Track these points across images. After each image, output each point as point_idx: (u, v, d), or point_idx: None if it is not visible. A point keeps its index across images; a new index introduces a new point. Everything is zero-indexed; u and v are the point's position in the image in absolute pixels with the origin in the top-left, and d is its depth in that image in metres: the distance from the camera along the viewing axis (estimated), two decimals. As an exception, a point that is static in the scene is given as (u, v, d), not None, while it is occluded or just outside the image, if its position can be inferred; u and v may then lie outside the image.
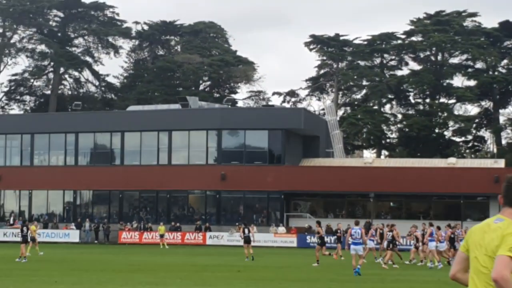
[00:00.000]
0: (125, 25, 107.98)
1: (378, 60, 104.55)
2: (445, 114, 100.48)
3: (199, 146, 72.12)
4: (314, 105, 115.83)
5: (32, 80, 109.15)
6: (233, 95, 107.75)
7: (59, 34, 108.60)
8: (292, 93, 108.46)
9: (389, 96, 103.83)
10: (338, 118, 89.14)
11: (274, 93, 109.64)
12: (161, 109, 77.80)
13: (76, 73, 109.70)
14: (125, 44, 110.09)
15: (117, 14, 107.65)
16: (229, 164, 71.00)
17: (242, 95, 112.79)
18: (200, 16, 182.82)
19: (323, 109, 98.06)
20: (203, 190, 72.82)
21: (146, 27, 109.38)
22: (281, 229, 67.17)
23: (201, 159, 72.15)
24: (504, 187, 6.10)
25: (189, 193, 73.25)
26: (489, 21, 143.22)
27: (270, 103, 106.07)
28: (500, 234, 5.81)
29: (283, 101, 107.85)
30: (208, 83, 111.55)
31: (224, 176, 69.70)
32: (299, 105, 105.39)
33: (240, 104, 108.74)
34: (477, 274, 5.92)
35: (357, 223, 31.48)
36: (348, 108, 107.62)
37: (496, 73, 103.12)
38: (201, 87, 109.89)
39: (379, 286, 24.00)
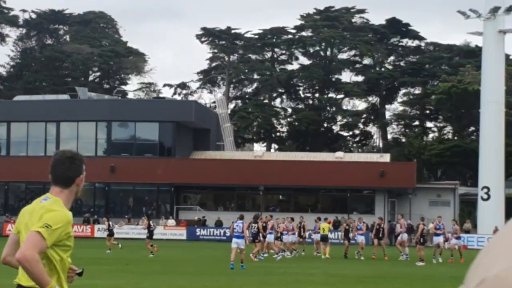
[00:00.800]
0: (12, 12, 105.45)
1: (269, 54, 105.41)
2: (334, 109, 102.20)
3: (88, 138, 71.30)
4: (205, 98, 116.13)
5: None
6: (123, 87, 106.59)
7: None
8: (183, 86, 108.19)
9: (280, 90, 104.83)
10: (229, 111, 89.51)
11: (165, 85, 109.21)
12: (49, 100, 76.35)
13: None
14: (12, 33, 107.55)
15: (4, 2, 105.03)
16: (119, 156, 70.50)
17: (132, 86, 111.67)
18: (90, 6, 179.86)
19: (214, 102, 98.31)
20: (92, 182, 71.89)
21: (34, 16, 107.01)
22: (171, 221, 67.10)
23: (90, 151, 71.17)
24: (51, 165, 5.82)
25: (77, 185, 72.31)
26: (377, 18, 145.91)
27: (161, 95, 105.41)
28: (42, 213, 5.52)
29: (174, 94, 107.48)
30: (98, 74, 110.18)
31: (113, 168, 69.13)
32: (190, 98, 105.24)
33: (130, 95, 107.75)
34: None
35: (241, 218, 31.71)
36: (239, 101, 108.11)
37: (382, 69, 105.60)
38: (91, 78, 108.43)
39: (265, 278, 24.34)
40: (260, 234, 36.94)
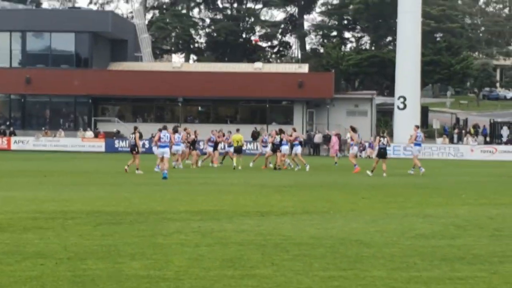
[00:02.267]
0: None
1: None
2: (252, 19, 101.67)
3: (3, 49, 69.85)
4: (122, 8, 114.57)
5: None
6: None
7: None
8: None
9: (198, 0, 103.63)
10: (146, 22, 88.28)
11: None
12: (-39, 10, 74.12)
13: None
14: None
15: None
16: (34, 68, 69.29)
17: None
18: None
19: (131, 12, 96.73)
20: (7, 94, 70.82)
21: None
22: (89, 133, 66.60)
23: (4, 62, 69.92)
24: None
25: (-8, 97, 71.16)
26: None
27: (76, 5, 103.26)
28: None
29: (90, 3, 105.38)
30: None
31: (29, 79, 67.93)
32: (107, 8, 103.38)
33: (45, 5, 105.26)
34: None
35: (165, 128, 32.69)
36: (156, 11, 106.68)
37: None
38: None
39: (186, 188, 24.51)
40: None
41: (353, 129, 39.43)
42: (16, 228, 14.26)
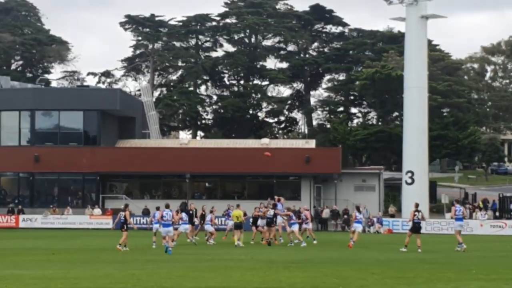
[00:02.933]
0: None
1: (193, 42, 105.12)
2: (259, 96, 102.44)
3: (12, 127, 70.27)
4: (130, 86, 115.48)
5: None
6: (46, 75, 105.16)
7: None
8: (107, 74, 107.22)
9: (204, 77, 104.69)
10: (154, 99, 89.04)
11: (89, 74, 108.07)
12: (-29, 89, 74.88)
13: None
14: None
15: None
16: (43, 146, 69.57)
17: (56, 75, 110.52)
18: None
19: (139, 90, 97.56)
20: (16, 172, 70.96)
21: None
22: (97, 210, 66.49)
23: (13, 141, 70.24)
24: None
25: (1, 175, 71.24)
26: (301, 5, 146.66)
27: (85, 83, 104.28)
28: None
29: (98, 82, 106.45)
30: (20, 62, 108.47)
31: (37, 157, 68.17)
32: (115, 86, 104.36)
33: (54, 84, 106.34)
34: None
35: (167, 206, 33.63)
36: (164, 89, 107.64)
37: (307, 55, 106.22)
38: (13, 67, 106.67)
39: (194, 265, 24.34)
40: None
41: (357, 209, 39.13)
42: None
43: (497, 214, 70.06)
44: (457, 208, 35.01)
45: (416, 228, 33.73)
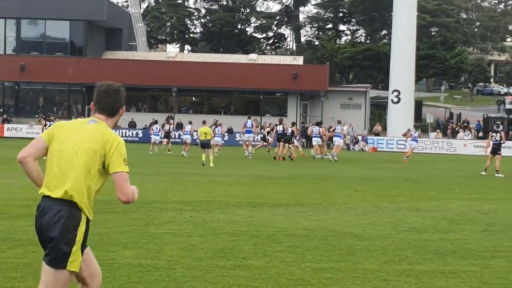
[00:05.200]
0: None
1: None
2: (248, 10, 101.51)
3: (-3, 36, 69.69)
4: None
5: None
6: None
7: None
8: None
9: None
10: (141, 11, 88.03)
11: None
12: (-45, -4, 73.83)
13: None
14: None
15: None
16: (29, 55, 69.07)
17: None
18: None
19: (126, 1, 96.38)
20: (1, 80, 70.60)
21: None
22: (83, 122, 66.36)
23: (-1, 49, 69.82)
24: (97, 95, 6.32)
25: (-14, 84, 71.00)
26: None
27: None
28: (102, 134, 6.03)
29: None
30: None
31: (23, 67, 67.73)
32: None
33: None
34: (59, 165, 5.99)
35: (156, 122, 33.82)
36: (152, 1, 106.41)
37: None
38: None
39: (179, 179, 24.51)
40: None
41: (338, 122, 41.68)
42: (9, 215, 14.25)
43: (481, 134, 70.52)
44: (494, 134, 32.89)
45: (494, 149, 32.53)
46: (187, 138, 42.33)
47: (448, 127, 72.37)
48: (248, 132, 43.43)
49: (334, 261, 10.55)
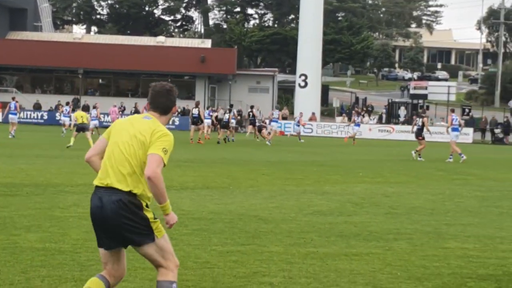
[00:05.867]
0: None
1: None
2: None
3: None
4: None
5: None
6: None
7: None
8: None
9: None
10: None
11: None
12: None
13: None
14: None
15: None
16: None
17: None
18: None
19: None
20: None
21: None
22: (-15, 103, 64.90)
23: None
24: (152, 95, 6.74)
25: None
26: None
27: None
28: (152, 128, 6.42)
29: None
30: None
31: None
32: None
33: None
34: (113, 156, 6.48)
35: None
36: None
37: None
38: None
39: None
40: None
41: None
42: None
43: (385, 119, 71.81)
44: (453, 118, 32.73)
45: (416, 134, 32.99)
46: (95, 123, 41.80)
47: (353, 112, 73.37)
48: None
49: (240, 244, 10.61)
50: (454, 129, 32.41)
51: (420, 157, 32.15)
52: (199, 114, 40.34)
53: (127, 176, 6.34)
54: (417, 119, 33.75)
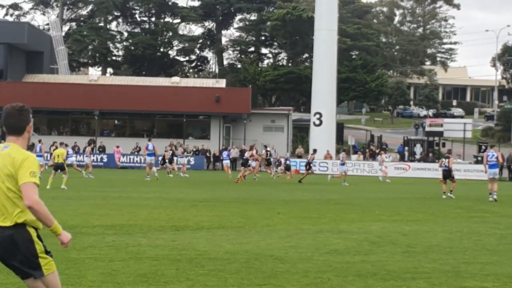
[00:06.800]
0: None
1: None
2: (170, 34, 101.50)
3: None
4: (39, 19, 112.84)
5: None
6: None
7: None
8: (15, 6, 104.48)
9: (115, 13, 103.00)
10: (63, 34, 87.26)
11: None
12: None
13: None
14: None
15: None
16: None
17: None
18: None
19: (47, 24, 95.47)
20: None
21: None
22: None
23: None
24: (3, 118, 6.67)
25: None
26: None
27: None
28: (12, 157, 6.48)
29: (6, 14, 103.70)
30: None
31: None
32: (23, 19, 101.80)
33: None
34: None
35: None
36: (73, 24, 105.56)
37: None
38: None
39: (101, 203, 24.26)
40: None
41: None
42: None
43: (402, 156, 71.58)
44: (489, 154, 31.15)
45: (444, 175, 32.35)
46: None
47: (367, 150, 73.23)
48: (150, 155, 43.90)
49: (256, 284, 10.55)
50: (490, 166, 30.91)
51: (450, 194, 31.66)
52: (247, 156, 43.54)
53: (10, 211, 6.47)
54: (443, 159, 33.32)
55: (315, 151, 48.45)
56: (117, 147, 61.57)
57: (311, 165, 46.20)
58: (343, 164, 46.38)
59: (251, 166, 44.21)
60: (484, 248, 15.08)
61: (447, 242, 16.00)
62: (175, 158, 49.77)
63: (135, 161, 63.23)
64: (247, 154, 44.02)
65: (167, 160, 48.61)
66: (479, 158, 65.39)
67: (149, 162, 44.04)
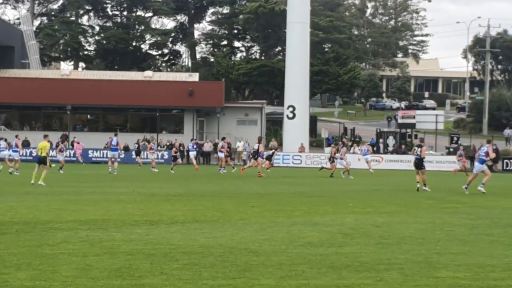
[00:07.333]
0: None
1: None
2: (142, 27, 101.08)
3: None
4: (9, 14, 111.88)
5: None
6: None
7: None
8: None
9: (87, 7, 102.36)
10: (34, 29, 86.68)
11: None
12: None
13: None
14: None
15: None
16: None
17: None
18: None
19: (18, 19, 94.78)
20: None
21: None
22: (-26, 142, 64.71)
23: None
24: None
25: None
26: None
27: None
28: None
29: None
30: None
31: None
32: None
33: None
34: None
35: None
36: (44, 18, 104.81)
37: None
38: None
39: (74, 198, 24.17)
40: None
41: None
42: None
43: (375, 149, 71.85)
44: (482, 149, 30.99)
45: (416, 164, 31.30)
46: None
47: (339, 143, 73.39)
48: (114, 150, 43.74)
49: (231, 277, 10.58)
50: (478, 161, 30.90)
51: (425, 187, 30.90)
52: (258, 149, 43.31)
53: None
54: (416, 148, 32.68)
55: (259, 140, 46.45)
56: (78, 143, 61.21)
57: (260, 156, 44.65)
58: (341, 158, 46.24)
59: (230, 158, 45.37)
60: (456, 239, 15.21)
61: (419, 233, 16.12)
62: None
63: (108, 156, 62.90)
64: (256, 146, 44.11)
65: (171, 157, 50.15)
66: (451, 150, 65.83)
67: (111, 156, 44.12)
